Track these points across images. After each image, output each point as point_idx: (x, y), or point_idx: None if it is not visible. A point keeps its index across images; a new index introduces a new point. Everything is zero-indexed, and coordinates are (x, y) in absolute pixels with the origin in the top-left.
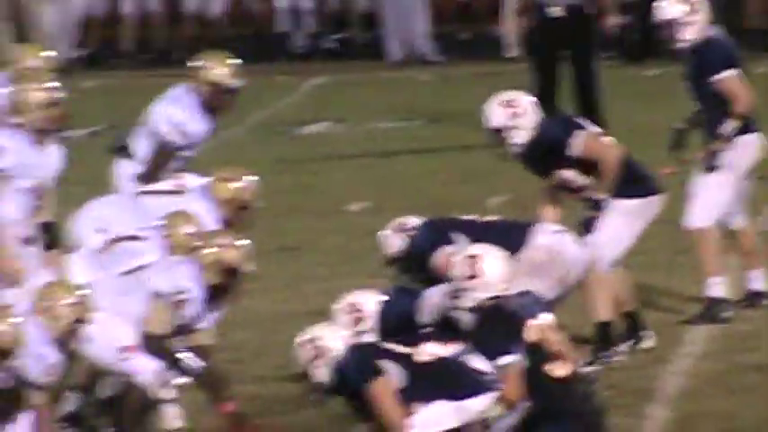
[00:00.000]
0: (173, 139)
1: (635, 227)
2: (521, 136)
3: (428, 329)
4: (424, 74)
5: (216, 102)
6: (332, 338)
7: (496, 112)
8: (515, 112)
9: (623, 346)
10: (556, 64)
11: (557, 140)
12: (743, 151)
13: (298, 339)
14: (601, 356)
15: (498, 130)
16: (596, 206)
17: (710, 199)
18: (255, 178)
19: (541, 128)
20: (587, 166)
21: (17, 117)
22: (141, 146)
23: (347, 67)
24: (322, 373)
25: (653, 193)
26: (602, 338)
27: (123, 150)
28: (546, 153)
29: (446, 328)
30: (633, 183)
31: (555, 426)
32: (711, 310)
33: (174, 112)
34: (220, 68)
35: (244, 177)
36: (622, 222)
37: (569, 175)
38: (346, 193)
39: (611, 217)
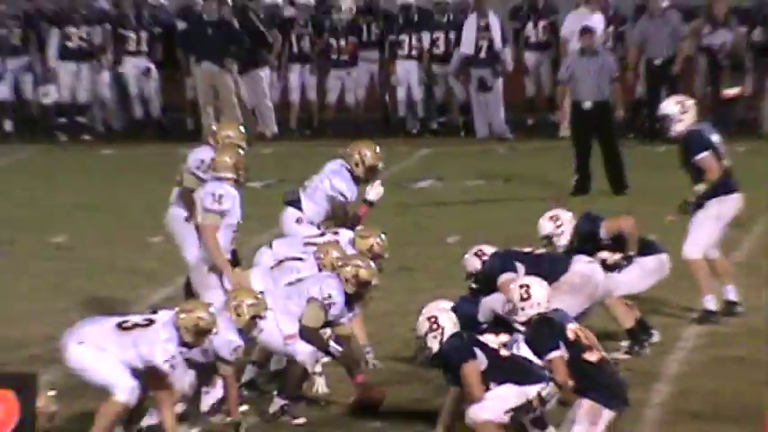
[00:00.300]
0: (341, 200)
1: (650, 277)
2: (563, 239)
3: (485, 325)
4: (501, 147)
5: (365, 175)
6: (446, 320)
7: (545, 225)
8: (558, 225)
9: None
10: (589, 144)
11: (590, 233)
12: (727, 205)
13: (424, 312)
14: (633, 350)
15: (547, 236)
16: (624, 262)
17: (701, 238)
18: (384, 236)
19: (577, 228)
20: (615, 240)
21: (225, 173)
22: (307, 201)
23: (447, 141)
24: (433, 344)
25: (660, 252)
26: (632, 338)
27: (292, 201)
28: (583, 242)
29: (498, 325)
30: (647, 247)
31: (594, 394)
32: (705, 318)
33: (339, 183)
34: (372, 153)
35: (377, 234)
36: (639, 274)
37: (605, 255)
38: (446, 230)
39: (634, 270)
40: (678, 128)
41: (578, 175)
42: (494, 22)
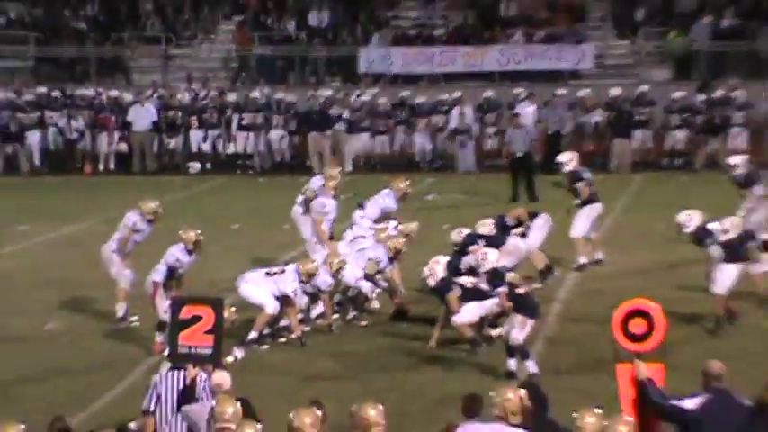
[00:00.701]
0: (387, 209)
1: (542, 229)
2: (488, 229)
3: (464, 271)
4: (472, 177)
5: (402, 196)
6: (439, 269)
7: (486, 222)
8: (487, 223)
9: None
10: (518, 179)
11: (503, 223)
12: (593, 209)
13: (428, 264)
14: (544, 280)
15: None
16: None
17: (580, 225)
18: (414, 225)
19: (496, 221)
20: (517, 222)
21: (329, 191)
22: (369, 207)
23: (443, 173)
24: (431, 281)
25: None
26: (542, 274)
27: (360, 205)
28: (502, 228)
29: (470, 272)
30: (533, 215)
31: (523, 310)
32: (580, 269)
33: (386, 200)
34: (405, 185)
35: (412, 226)
36: (537, 232)
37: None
38: (443, 221)
39: (533, 232)
40: (566, 168)
41: (512, 191)
42: (468, 111)
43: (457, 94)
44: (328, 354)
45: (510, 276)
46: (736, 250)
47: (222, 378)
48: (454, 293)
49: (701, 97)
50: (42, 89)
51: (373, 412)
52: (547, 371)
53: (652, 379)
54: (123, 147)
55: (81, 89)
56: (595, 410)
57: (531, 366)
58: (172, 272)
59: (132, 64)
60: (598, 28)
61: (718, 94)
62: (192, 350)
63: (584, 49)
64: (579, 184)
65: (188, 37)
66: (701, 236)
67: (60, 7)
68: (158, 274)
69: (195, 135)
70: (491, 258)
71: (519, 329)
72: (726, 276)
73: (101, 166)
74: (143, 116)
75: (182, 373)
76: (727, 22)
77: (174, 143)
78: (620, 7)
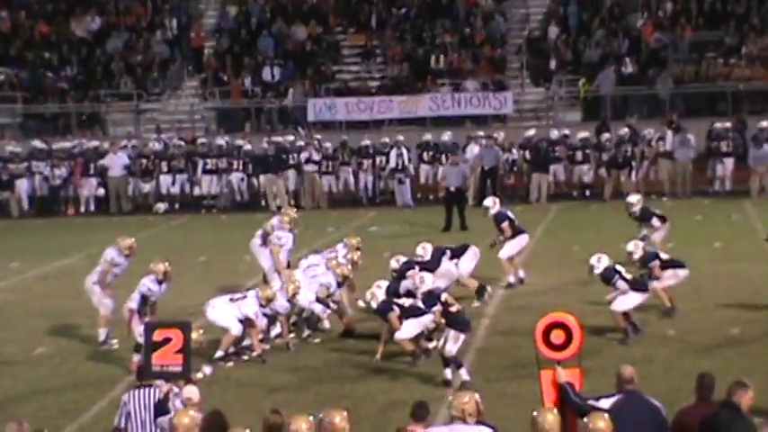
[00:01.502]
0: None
1: (472, 260)
2: (428, 255)
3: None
4: (409, 210)
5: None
6: (379, 293)
7: (425, 247)
8: (424, 249)
9: None
10: (452, 207)
11: (440, 250)
12: (518, 240)
13: (371, 289)
14: (481, 298)
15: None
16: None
17: (509, 251)
18: (359, 253)
19: (434, 249)
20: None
21: (286, 226)
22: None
23: (384, 208)
24: (373, 304)
25: (471, 247)
26: (478, 294)
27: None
28: (438, 253)
29: (408, 294)
30: (463, 248)
31: (456, 326)
32: (509, 287)
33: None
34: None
35: (356, 253)
36: (467, 260)
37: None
38: (384, 249)
39: (464, 260)
40: (491, 212)
41: (445, 222)
42: (404, 151)
43: (398, 137)
44: (286, 368)
45: (444, 297)
46: (639, 283)
47: (192, 392)
48: (394, 313)
49: (607, 136)
50: (38, 143)
51: (338, 418)
52: (478, 378)
53: (571, 383)
54: (101, 191)
55: (63, 141)
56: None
57: (464, 374)
58: (145, 299)
59: (107, 117)
60: (516, 77)
61: (621, 132)
62: (164, 368)
63: (505, 96)
64: (504, 225)
65: (157, 93)
66: (608, 276)
67: (43, 70)
68: (133, 302)
69: (165, 179)
70: (427, 282)
71: (453, 343)
72: (629, 301)
73: (82, 209)
74: (116, 163)
75: (149, 390)
76: (628, 70)
77: (148, 187)
78: (535, 59)
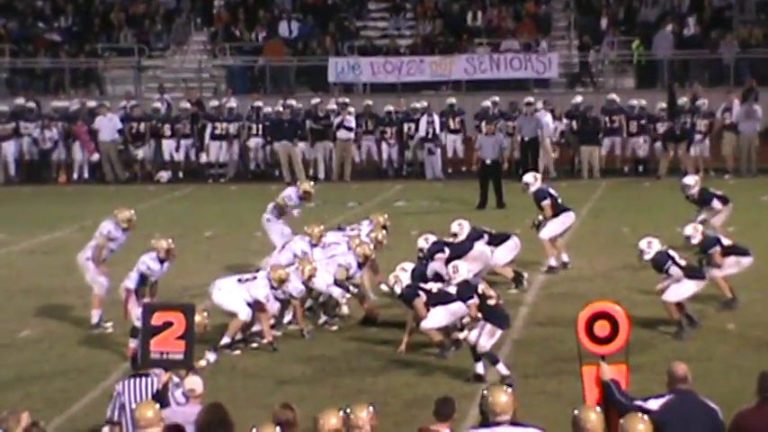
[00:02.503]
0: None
1: (512, 251)
2: (464, 234)
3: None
4: (439, 184)
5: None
6: (404, 276)
7: (458, 224)
8: (460, 226)
9: None
10: (488, 182)
11: (480, 231)
12: (563, 219)
13: (394, 271)
14: (518, 285)
15: (454, 234)
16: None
17: (552, 231)
18: (384, 233)
19: (471, 228)
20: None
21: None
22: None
23: (411, 180)
24: (397, 289)
25: (512, 237)
26: (515, 281)
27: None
28: (477, 234)
29: (436, 278)
30: (505, 237)
31: (493, 319)
32: (550, 271)
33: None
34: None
35: (381, 232)
36: (506, 250)
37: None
38: (411, 228)
39: (502, 249)
40: (531, 189)
41: (480, 198)
42: (435, 119)
43: (425, 103)
44: (300, 358)
45: (481, 287)
46: (695, 270)
47: (195, 383)
48: (420, 299)
49: (663, 105)
50: (21, 101)
51: (364, 414)
52: (514, 374)
53: (616, 380)
54: (96, 156)
55: (56, 101)
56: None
57: (502, 369)
58: (144, 279)
59: (105, 75)
60: (562, 37)
61: (682, 101)
62: (164, 356)
63: (549, 58)
64: (545, 203)
65: (161, 48)
66: (661, 261)
67: (34, 19)
68: (131, 281)
69: (168, 144)
70: (461, 271)
71: (488, 338)
72: (683, 290)
73: (75, 176)
74: (107, 126)
75: (145, 380)
76: (689, 31)
77: (141, 153)
78: (584, 17)
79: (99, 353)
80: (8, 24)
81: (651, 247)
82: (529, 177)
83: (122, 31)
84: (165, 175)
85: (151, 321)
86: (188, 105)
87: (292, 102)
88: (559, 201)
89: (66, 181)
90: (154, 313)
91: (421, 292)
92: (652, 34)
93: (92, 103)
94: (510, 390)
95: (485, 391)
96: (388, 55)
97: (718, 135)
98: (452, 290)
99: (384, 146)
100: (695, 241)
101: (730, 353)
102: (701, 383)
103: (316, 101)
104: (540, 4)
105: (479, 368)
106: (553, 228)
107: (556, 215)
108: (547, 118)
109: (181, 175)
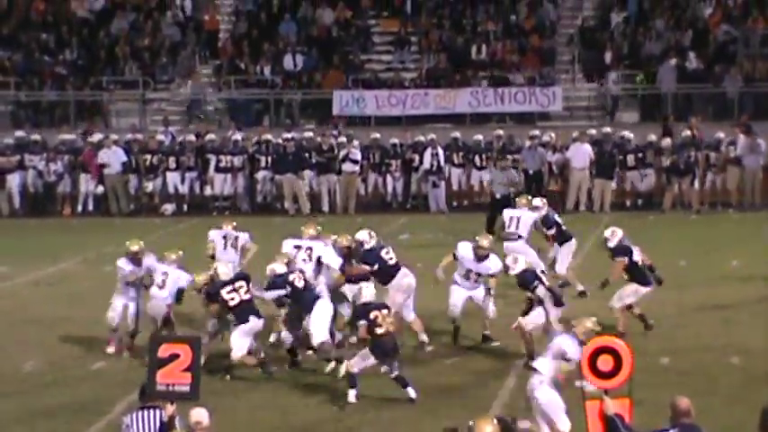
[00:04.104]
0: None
1: None
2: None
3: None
4: (442, 217)
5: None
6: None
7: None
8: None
9: None
10: (495, 218)
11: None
12: (569, 245)
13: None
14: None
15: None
16: None
17: (564, 259)
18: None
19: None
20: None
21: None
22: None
23: (416, 214)
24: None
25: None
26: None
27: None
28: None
29: None
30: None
31: (377, 352)
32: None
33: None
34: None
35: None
36: None
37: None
38: (415, 260)
39: None
40: (541, 212)
41: (487, 227)
42: (440, 152)
43: (429, 136)
44: (304, 389)
45: (374, 314)
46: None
47: (200, 415)
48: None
49: (668, 140)
50: (22, 133)
51: (490, 428)
52: (514, 408)
53: (620, 415)
54: (100, 189)
55: (61, 134)
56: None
57: (352, 395)
58: (128, 284)
59: (111, 107)
60: (567, 71)
61: (683, 135)
62: (171, 388)
63: (553, 92)
64: (551, 231)
65: (166, 81)
66: (527, 279)
67: (40, 53)
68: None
69: (172, 177)
70: (366, 294)
71: (360, 360)
72: (628, 292)
73: (79, 208)
74: (113, 159)
75: (153, 412)
76: (692, 65)
77: (151, 186)
78: (589, 51)
79: (104, 385)
80: (13, 57)
81: (614, 235)
82: (537, 201)
83: (127, 63)
84: (169, 207)
85: (158, 353)
86: (193, 138)
87: (295, 134)
88: (564, 228)
89: (71, 213)
90: (161, 345)
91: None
92: (656, 68)
93: (98, 136)
94: (497, 422)
95: (471, 423)
96: (393, 88)
97: (722, 168)
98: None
99: (389, 178)
100: (611, 244)
101: (734, 386)
102: (704, 417)
103: (316, 133)
104: (544, 37)
105: (351, 396)
106: (564, 260)
107: (561, 243)
108: (588, 150)
109: (185, 207)
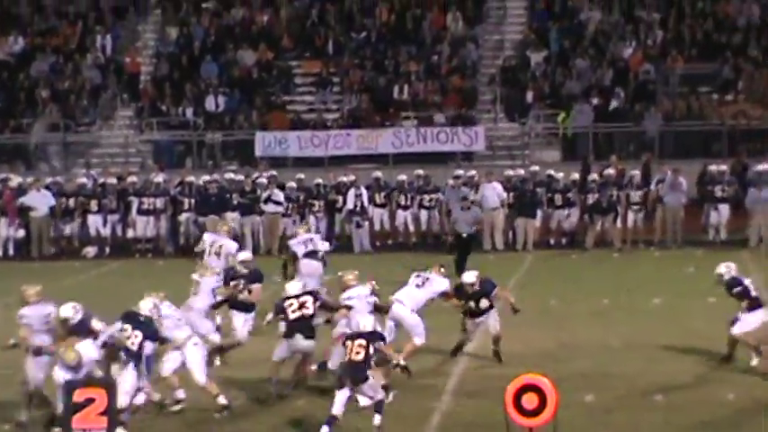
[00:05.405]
0: None
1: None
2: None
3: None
4: (367, 257)
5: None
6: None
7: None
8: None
9: None
10: (463, 254)
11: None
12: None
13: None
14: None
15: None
16: None
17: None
18: None
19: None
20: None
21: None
22: None
23: (339, 254)
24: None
25: None
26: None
27: None
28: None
29: None
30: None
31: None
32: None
33: None
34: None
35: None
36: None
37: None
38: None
39: None
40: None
41: (458, 271)
42: (363, 192)
43: (352, 176)
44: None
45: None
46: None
47: None
48: None
49: (594, 177)
50: None
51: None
52: None
53: None
54: (21, 233)
55: None
56: None
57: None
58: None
59: (32, 150)
60: (488, 110)
61: (607, 172)
62: None
63: (476, 131)
64: (494, 293)
65: (87, 123)
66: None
67: None
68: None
69: (94, 220)
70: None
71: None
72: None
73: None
74: (41, 202)
75: None
76: (613, 104)
77: (69, 229)
78: (510, 90)
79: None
80: None
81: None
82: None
83: (48, 106)
84: (91, 250)
85: (72, 398)
86: (114, 181)
87: (217, 176)
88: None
89: None
90: (75, 390)
91: None
92: (575, 107)
93: (17, 180)
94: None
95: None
96: (316, 129)
97: (653, 207)
98: None
99: (312, 219)
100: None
101: (657, 424)
102: None
103: (241, 175)
104: (465, 77)
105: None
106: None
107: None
108: (498, 188)
109: (107, 250)
